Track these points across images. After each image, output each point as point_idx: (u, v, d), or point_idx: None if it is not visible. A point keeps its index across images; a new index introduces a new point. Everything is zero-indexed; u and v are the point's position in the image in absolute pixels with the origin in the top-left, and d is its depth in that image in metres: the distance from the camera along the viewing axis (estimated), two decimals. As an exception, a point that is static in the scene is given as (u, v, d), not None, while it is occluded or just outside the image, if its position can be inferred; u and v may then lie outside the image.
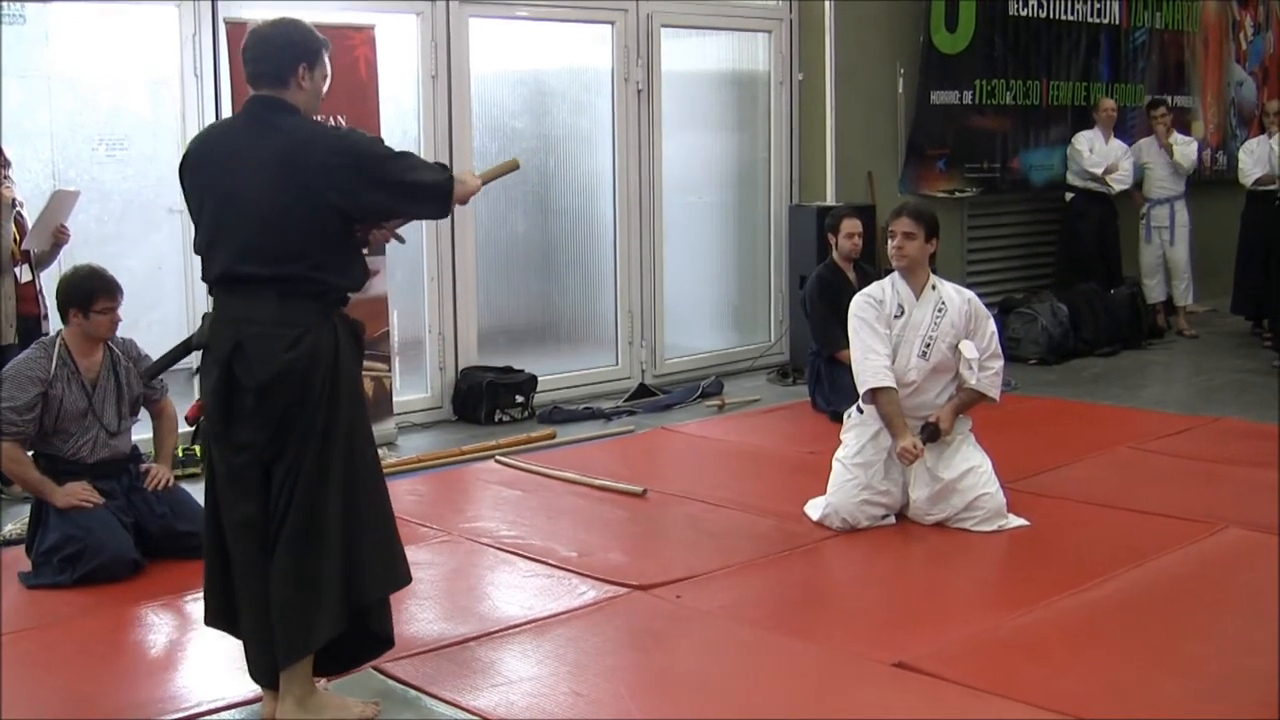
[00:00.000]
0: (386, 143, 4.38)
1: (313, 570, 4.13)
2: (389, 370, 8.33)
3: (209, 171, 4.22)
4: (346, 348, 4.22)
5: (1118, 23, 13.08)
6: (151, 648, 5.16)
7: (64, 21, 7.56)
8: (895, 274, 6.52)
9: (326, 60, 4.35)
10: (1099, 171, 11.84)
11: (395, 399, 8.50)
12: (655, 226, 10.11)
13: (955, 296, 6.50)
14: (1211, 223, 12.95)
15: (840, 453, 6.56)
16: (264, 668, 4.27)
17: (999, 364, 6.52)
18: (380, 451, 7.25)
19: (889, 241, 6.50)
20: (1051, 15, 12.21)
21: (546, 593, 5.53)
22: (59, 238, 7.01)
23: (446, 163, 8.70)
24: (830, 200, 10.68)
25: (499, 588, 5.70)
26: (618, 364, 10.01)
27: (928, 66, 11.26)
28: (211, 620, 4.45)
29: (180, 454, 7.33)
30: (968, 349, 6.40)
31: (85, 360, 5.93)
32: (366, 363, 7.92)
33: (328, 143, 4.18)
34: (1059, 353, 10.98)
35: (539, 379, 9.17)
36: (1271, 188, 11.45)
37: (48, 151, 7.54)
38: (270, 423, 4.10)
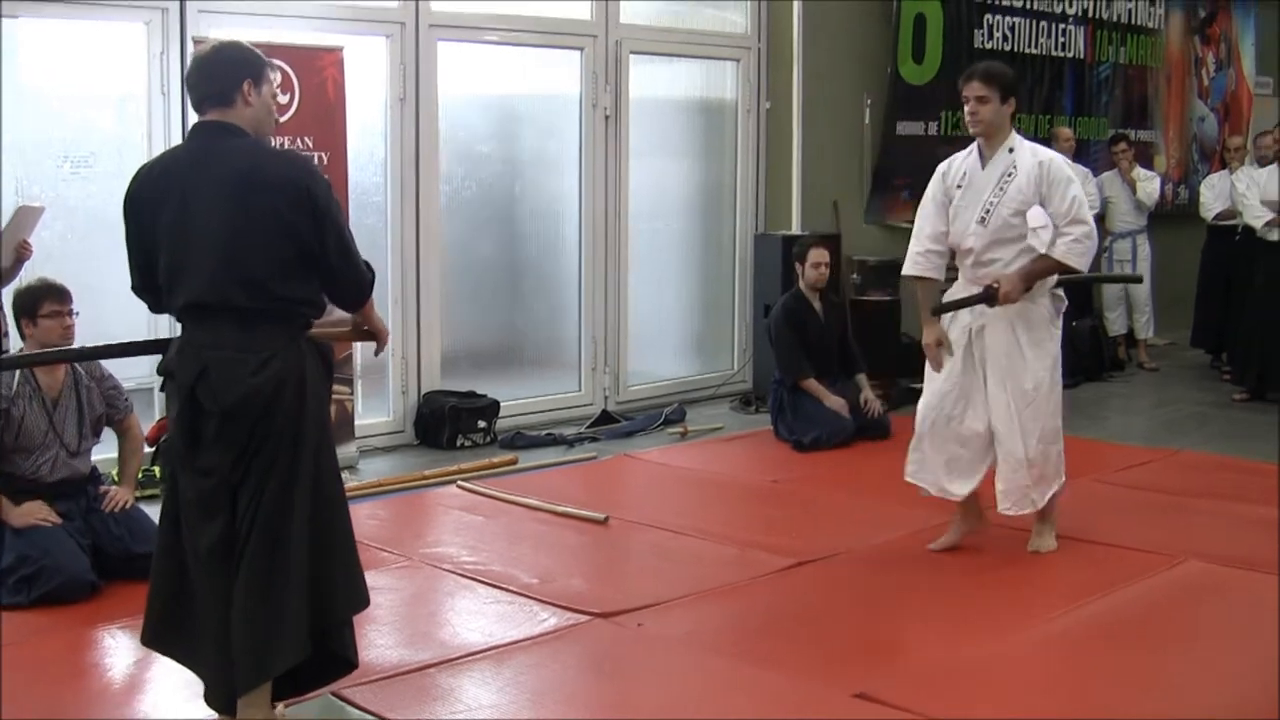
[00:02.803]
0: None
1: (276, 593, 4.10)
2: (351, 393, 8.30)
3: (160, 204, 4.15)
4: (314, 372, 4.21)
5: (1082, 56, 13.17)
6: (109, 671, 5.11)
7: (31, 36, 7.51)
8: (978, 142, 6.26)
9: (272, 79, 4.35)
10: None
11: (357, 422, 8.47)
12: (621, 252, 10.11)
13: (1029, 159, 6.18)
14: (1173, 257, 13.04)
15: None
16: (221, 695, 4.22)
17: (1081, 229, 6.09)
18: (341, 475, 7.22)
19: (966, 105, 6.19)
20: (1017, 48, 12.27)
21: (507, 619, 5.50)
22: (21, 254, 6.94)
23: (414, 185, 8.79)
24: (796, 229, 10.71)
25: (459, 614, 5.68)
26: (581, 390, 10.00)
27: (894, 97, 11.31)
28: (150, 640, 4.41)
29: (140, 475, 7.28)
30: (1034, 216, 6.09)
31: (47, 377, 5.88)
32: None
33: (277, 164, 4.18)
34: (1021, 384, 10.98)
35: (502, 404, 9.14)
36: (1232, 223, 11.52)
37: (12, 167, 7.47)
38: (235, 446, 4.09)
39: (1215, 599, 5.84)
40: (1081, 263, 6.15)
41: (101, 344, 5.14)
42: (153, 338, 5.93)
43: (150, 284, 4.26)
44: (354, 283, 4.29)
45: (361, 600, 4.38)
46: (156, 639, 4.38)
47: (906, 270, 6.39)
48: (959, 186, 6.25)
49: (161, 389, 4.29)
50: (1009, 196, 6.15)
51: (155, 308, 4.39)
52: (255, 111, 4.24)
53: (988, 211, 6.17)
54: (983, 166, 6.23)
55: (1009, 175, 6.17)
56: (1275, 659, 4.97)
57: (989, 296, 6.08)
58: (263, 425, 4.09)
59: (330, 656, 4.32)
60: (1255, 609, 5.67)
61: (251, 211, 4.05)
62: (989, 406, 6.27)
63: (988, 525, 6.59)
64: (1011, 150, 6.23)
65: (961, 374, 6.30)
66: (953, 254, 6.40)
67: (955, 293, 6.38)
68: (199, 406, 4.10)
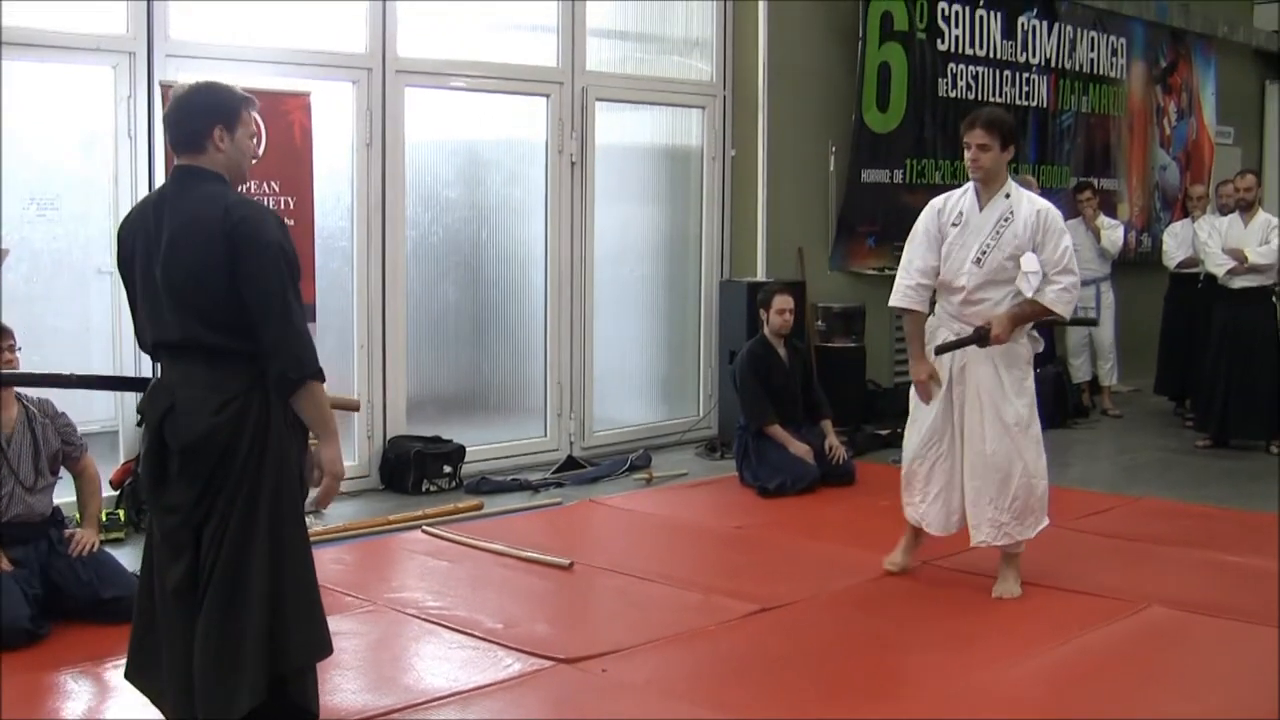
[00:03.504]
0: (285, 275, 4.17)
1: (234, 635, 4.10)
2: (316, 437, 8.24)
3: (137, 244, 4.23)
4: (279, 415, 4.18)
5: (1045, 105, 13.29)
6: (67, 716, 5.06)
7: (-3, 79, 7.53)
8: (972, 182, 6.43)
9: (250, 118, 4.32)
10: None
11: (322, 467, 8.41)
12: (586, 298, 10.12)
13: (1026, 206, 6.37)
14: (1136, 304, 13.13)
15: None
16: None
17: (1070, 279, 6.32)
18: (307, 520, 7.20)
19: (969, 151, 6.35)
20: (980, 97, 12.37)
21: (471, 664, 5.48)
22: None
23: (380, 230, 8.78)
24: (761, 275, 10.75)
25: (423, 659, 5.66)
26: (546, 435, 9.99)
27: (859, 145, 11.38)
28: (131, 676, 4.44)
29: (104, 518, 7.24)
30: (1028, 262, 6.33)
31: (-1, 414, 5.87)
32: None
33: (226, 212, 4.11)
34: (986, 430, 11.02)
35: (467, 449, 9.12)
36: (1195, 270, 11.60)
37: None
38: (197, 485, 4.12)
39: (1179, 645, 5.86)
40: (1067, 310, 6.44)
41: (91, 374, 5.13)
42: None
43: (137, 325, 4.35)
44: (274, 349, 4.09)
45: (321, 648, 4.36)
46: (133, 673, 4.43)
47: (896, 302, 6.49)
48: (954, 225, 6.40)
49: (139, 425, 4.25)
50: (1005, 240, 6.32)
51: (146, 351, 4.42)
52: (227, 157, 4.24)
53: (984, 253, 6.33)
54: (980, 209, 6.37)
55: (1006, 220, 6.34)
56: (1234, 703, 4.99)
57: (982, 337, 6.26)
58: (222, 465, 4.11)
59: (289, 705, 4.30)
60: (1218, 655, 5.70)
61: (206, 257, 4.06)
62: (967, 443, 6.45)
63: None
64: (1008, 196, 6.41)
65: (944, 411, 6.47)
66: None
67: (933, 327, 6.52)
68: (165, 444, 4.14)
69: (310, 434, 4.31)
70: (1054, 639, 5.80)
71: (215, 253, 4.05)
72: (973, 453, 6.45)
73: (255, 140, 4.36)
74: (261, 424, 4.14)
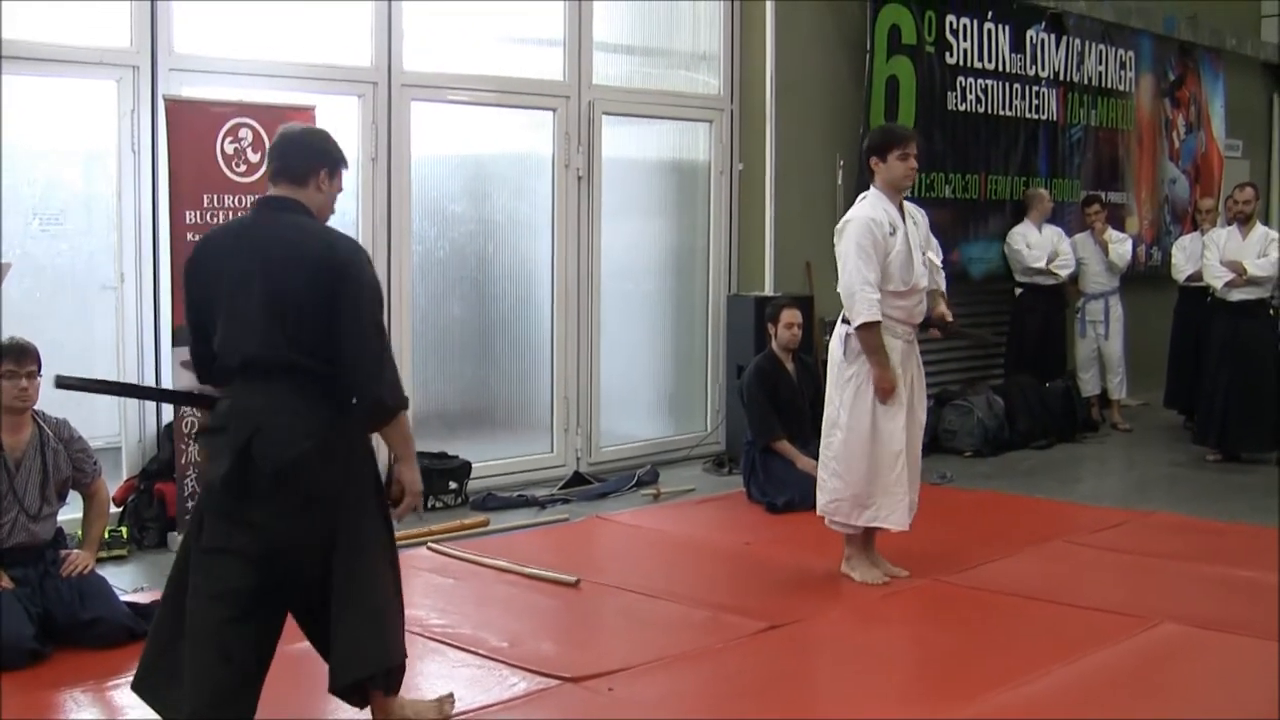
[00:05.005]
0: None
1: (370, 616, 4.45)
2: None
3: (218, 269, 4.41)
4: (359, 439, 4.46)
5: (1054, 119, 13.23)
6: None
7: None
8: (878, 195, 6.86)
9: (343, 176, 4.64)
10: (1043, 264, 11.97)
11: (327, 482, 8.36)
12: (593, 313, 10.09)
13: (914, 209, 7.03)
14: (1145, 318, 13.08)
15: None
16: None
17: (939, 259, 7.14)
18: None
19: (904, 163, 6.83)
20: (990, 111, 12.33)
21: (476, 683, 5.43)
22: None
23: (386, 244, 8.74)
24: (769, 290, 10.70)
25: (427, 677, 5.58)
26: (553, 451, 9.95)
27: (867, 158, 11.32)
28: (136, 686, 4.52)
29: (107, 535, 7.21)
30: (935, 255, 7.02)
31: (11, 437, 5.80)
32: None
33: (320, 243, 4.38)
34: (994, 445, 11.02)
35: (473, 465, 9.08)
36: (1204, 284, 11.55)
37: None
38: (288, 504, 4.27)
39: (1190, 662, 5.80)
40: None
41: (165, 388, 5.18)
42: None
43: (204, 350, 4.48)
44: (365, 382, 4.32)
45: (390, 655, 4.58)
46: (142, 685, 4.51)
47: (870, 317, 6.69)
48: (892, 234, 6.75)
49: (194, 440, 4.40)
50: (920, 239, 6.91)
51: (203, 377, 4.57)
52: (324, 198, 4.56)
53: (921, 252, 6.87)
54: (901, 217, 6.86)
55: (915, 223, 6.94)
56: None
57: (952, 327, 7.25)
58: (316, 488, 4.28)
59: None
60: (1230, 672, 5.64)
61: (307, 286, 4.27)
62: (910, 437, 6.91)
63: None
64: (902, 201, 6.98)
65: (907, 413, 6.89)
66: None
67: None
68: (248, 463, 4.23)
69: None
70: (1063, 656, 5.73)
71: (318, 283, 4.27)
72: (912, 445, 6.91)
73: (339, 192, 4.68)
74: (347, 448, 4.37)
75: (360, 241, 8.61)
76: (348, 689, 4.52)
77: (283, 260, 4.32)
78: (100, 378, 5.49)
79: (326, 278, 4.26)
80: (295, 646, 4.65)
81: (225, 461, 4.26)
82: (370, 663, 4.47)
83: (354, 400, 4.32)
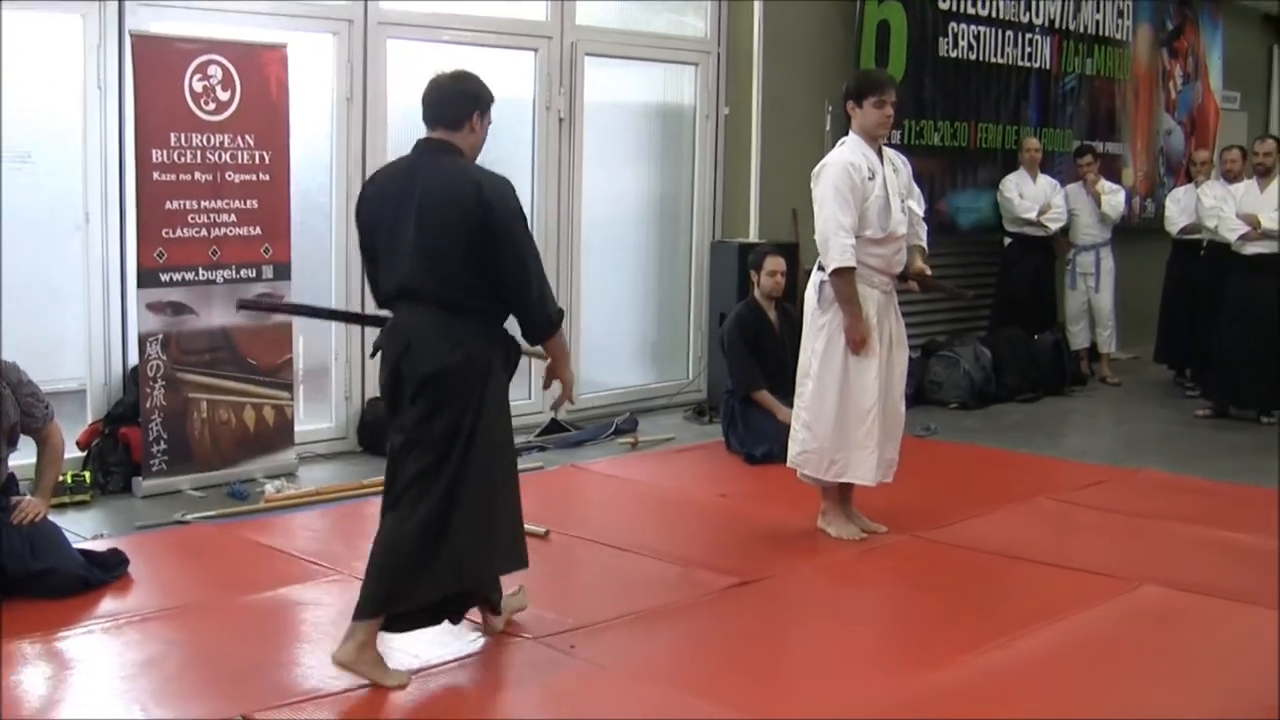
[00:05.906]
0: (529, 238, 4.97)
1: (489, 517, 4.96)
2: (291, 398, 8.06)
3: (381, 204, 4.96)
4: (498, 357, 4.94)
5: (1048, 67, 13.04)
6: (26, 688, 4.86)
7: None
8: (857, 140, 6.71)
9: (491, 112, 5.07)
10: (1033, 215, 11.80)
11: (297, 428, 8.23)
12: (574, 259, 9.92)
13: (895, 156, 6.90)
14: (1137, 271, 12.95)
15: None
16: (366, 606, 4.90)
17: (921, 209, 7.01)
18: (278, 483, 7.07)
19: (879, 111, 6.66)
20: (982, 58, 12.13)
21: (435, 640, 5.23)
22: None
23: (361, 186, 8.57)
24: (753, 237, 10.54)
25: (384, 635, 5.43)
26: (531, 398, 9.75)
27: (856, 104, 11.13)
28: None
29: (69, 480, 7.08)
30: (917, 204, 6.90)
31: (-43, 384, 5.64)
32: (267, 390, 7.84)
33: (472, 182, 4.80)
34: (980, 398, 10.89)
35: (448, 412, 8.92)
36: (1197, 237, 11.45)
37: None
38: (425, 409, 4.81)
39: (1171, 626, 5.66)
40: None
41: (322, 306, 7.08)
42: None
43: (374, 275, 5.06)
44: (528, 306, 4.90)
45: (522, 560, 5.17)
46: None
47: (844, 262, 6.54)
48: (870, 179, 6.60)
49: (372, 356, 5.08)
50: (900, 187, 6.78)
51: (377, 300, 5.11)
52: (477, 138, 5.00)
53: (901, 200, 6.73)
54: (880, 162, 6.70)
55: (895, 170, 6.79)
56: (1231, 689, 4.83)
57: (931, 281, 7.09)
58: (452, 396, 4.80)
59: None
60: (1211, 637, 5.51)
61: (447, 219, 4.78)
62: (887, 391, 6.77)
63: None
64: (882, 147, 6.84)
65: (881, 365, 6.74)
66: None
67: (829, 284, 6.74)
68: (401, 376, 4.85)
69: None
70: (1042, 619, 5.59)
71: (469, 219, 4.75)
72: (891, 399, 6.80)
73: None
74: (485, 364, 4.86)
75: (335, 184, 8.56)
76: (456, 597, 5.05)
77: (436, 201, 4.78)
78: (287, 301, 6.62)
79: (477, 215, 4.73)
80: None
81: (385, 373, 4.94)
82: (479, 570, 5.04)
83: (520, 320, 4.94)
